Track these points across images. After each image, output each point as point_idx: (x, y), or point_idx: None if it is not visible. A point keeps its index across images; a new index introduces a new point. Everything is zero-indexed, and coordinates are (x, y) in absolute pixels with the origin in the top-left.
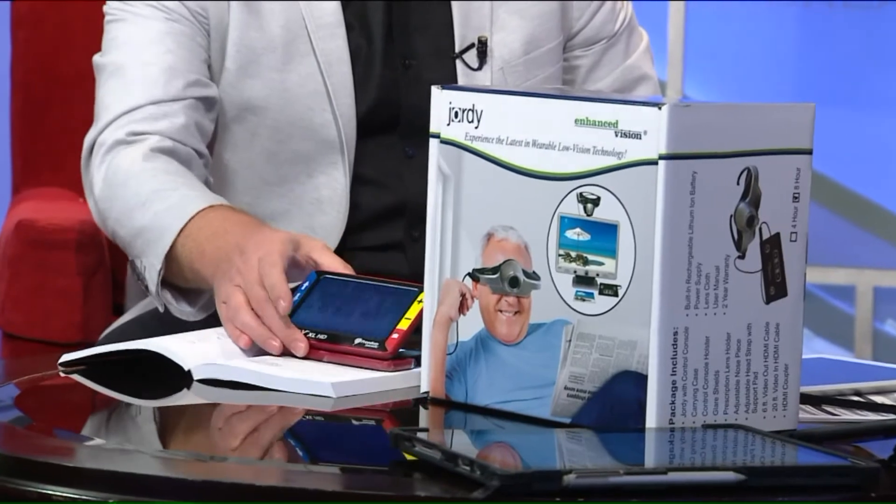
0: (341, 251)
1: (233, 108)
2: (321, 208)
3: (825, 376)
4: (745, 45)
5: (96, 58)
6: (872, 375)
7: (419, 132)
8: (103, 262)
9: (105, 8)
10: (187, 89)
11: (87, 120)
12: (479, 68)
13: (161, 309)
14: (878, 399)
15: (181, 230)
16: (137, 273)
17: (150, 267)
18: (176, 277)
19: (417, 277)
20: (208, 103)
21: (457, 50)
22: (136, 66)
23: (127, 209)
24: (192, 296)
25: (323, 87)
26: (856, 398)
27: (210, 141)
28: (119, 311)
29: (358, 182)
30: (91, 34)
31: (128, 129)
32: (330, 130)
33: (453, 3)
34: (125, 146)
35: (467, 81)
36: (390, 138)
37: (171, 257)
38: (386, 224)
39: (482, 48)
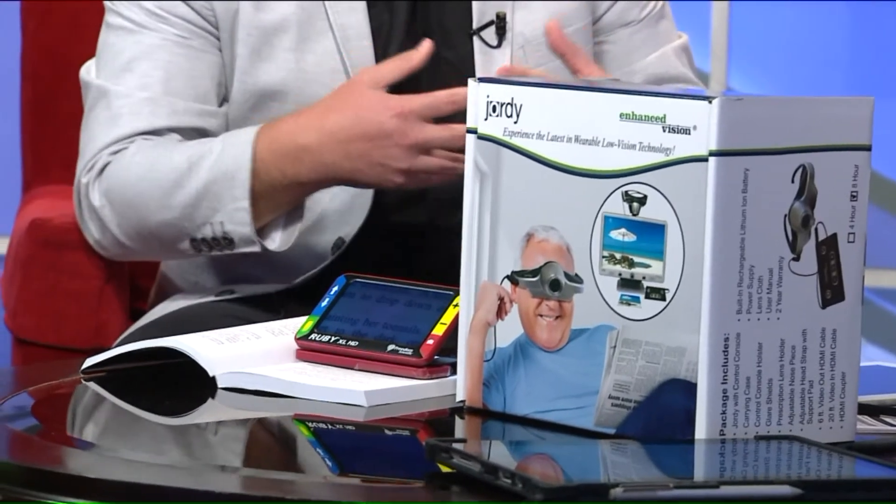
0: (367, 236)
1: (251, 96)
2: (348, 190)
3: (883, 385)
4: (793, 36)
5: (84, 69)
6: None
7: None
8: (121, 264)
9: (105, 3)
10: (171, 117)
11: None
12: (498, 46)
13: (259, 248)
14: None
15: (252, 158)
16: (208, 242)
17: (235, 212)
18: (261, 208)
19: (446, 268)
20: (202, 135)
21: (474, 26)
22: (120, 94)
23: (168, 188)
24: (273, 227)
25: (341, 64)
26: None
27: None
28: (137, 317)
29: None
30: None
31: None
32: None
33: None
34: (114, 161)
35: (485, 59)
36: None
37: (252, 191)
38: (406, 210)
39: (501, 24)
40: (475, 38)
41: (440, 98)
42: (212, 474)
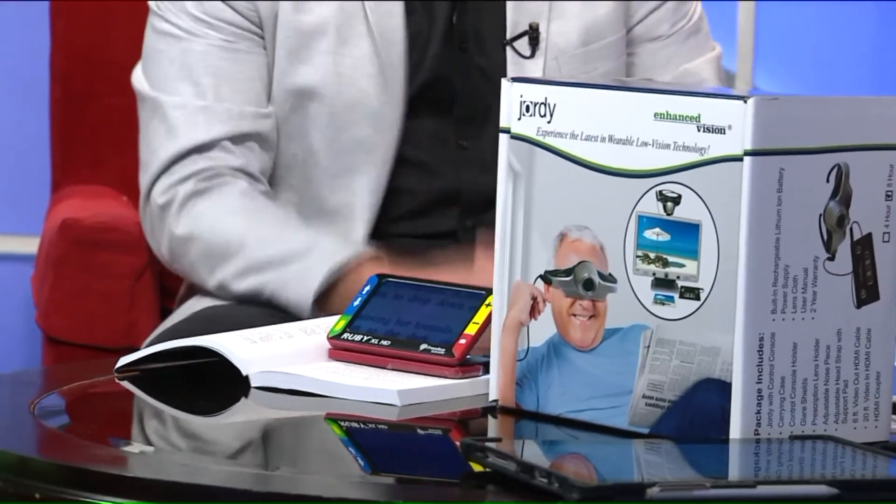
0: (384, 238)
1: (289, 96)
2: (378, 189)
3: None
4: (819, 36)
5: (136, 79)
6: None
7: (472, 122)
8: (150, 263)
9: (150, 4)
10: (227, 124)
11: (131, 112)
12: (531, 56)
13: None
14: None
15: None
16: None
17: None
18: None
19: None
20: (259, 139)
21: (508, 36)
22: (175, 105)
23: (243, 270)
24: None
25: (377, 68)
26: None
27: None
28: (166, 316)
29: (405, 166)
30: (134, 23)
31: (189, 177)
32: (382, 110)
33: None
34: (206, 197)
35: (517, 70)
36: (443, 125)
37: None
38: (436, 211)
39: (534, 35)
40: (508, 48)
41: None
42: (249, 473)
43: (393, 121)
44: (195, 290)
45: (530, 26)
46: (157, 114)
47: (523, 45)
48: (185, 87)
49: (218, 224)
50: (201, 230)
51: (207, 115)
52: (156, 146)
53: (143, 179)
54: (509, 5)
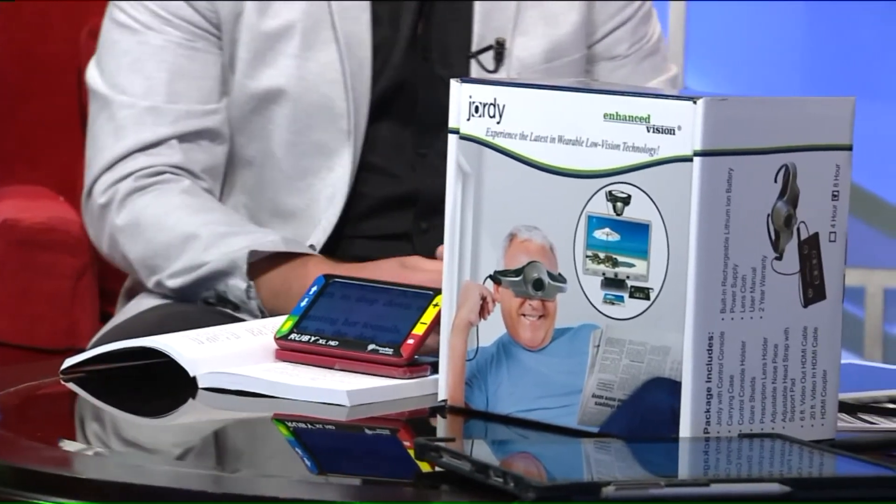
0: (341, 238)
1: (251, 99)
2: (332, 199)
3: (857, 383)
4: (750, 36)
5: (89, 72)
6: None
7: (431, 130)
8: (91, 264)
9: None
10: (175, 125)
11: (68, 112)
12: (495, 70)
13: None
14: None
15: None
16: (210, 302)
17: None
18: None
19: None
20: (207, 135)
21: (473, 49)
22: (124, 104)
23: (184, 261)
24: None
25: (341, 75)
26: (892, 406)
27: (230, 137)
28: (105, 319)
29: (364, 169)
30: (70, 23)
31: (129, 174)
32: (343, 117)
33: (476, 3)
34: (147, 194)
35: None
36: (403, 132)
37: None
38: (392, 213)
39: (500, 50)
40: (472, 61)
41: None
42: (198, 474)
43: (355, 126)
44: (138, 289)
45: (496, 41)
46: (106, 111)
47: (488, 58)
48: (136, 80)
49: (160, 221)
50: (144, 222)
51: (155, 115)
52: (101, 144)
53: (87, 177)
54: (476, 19)
